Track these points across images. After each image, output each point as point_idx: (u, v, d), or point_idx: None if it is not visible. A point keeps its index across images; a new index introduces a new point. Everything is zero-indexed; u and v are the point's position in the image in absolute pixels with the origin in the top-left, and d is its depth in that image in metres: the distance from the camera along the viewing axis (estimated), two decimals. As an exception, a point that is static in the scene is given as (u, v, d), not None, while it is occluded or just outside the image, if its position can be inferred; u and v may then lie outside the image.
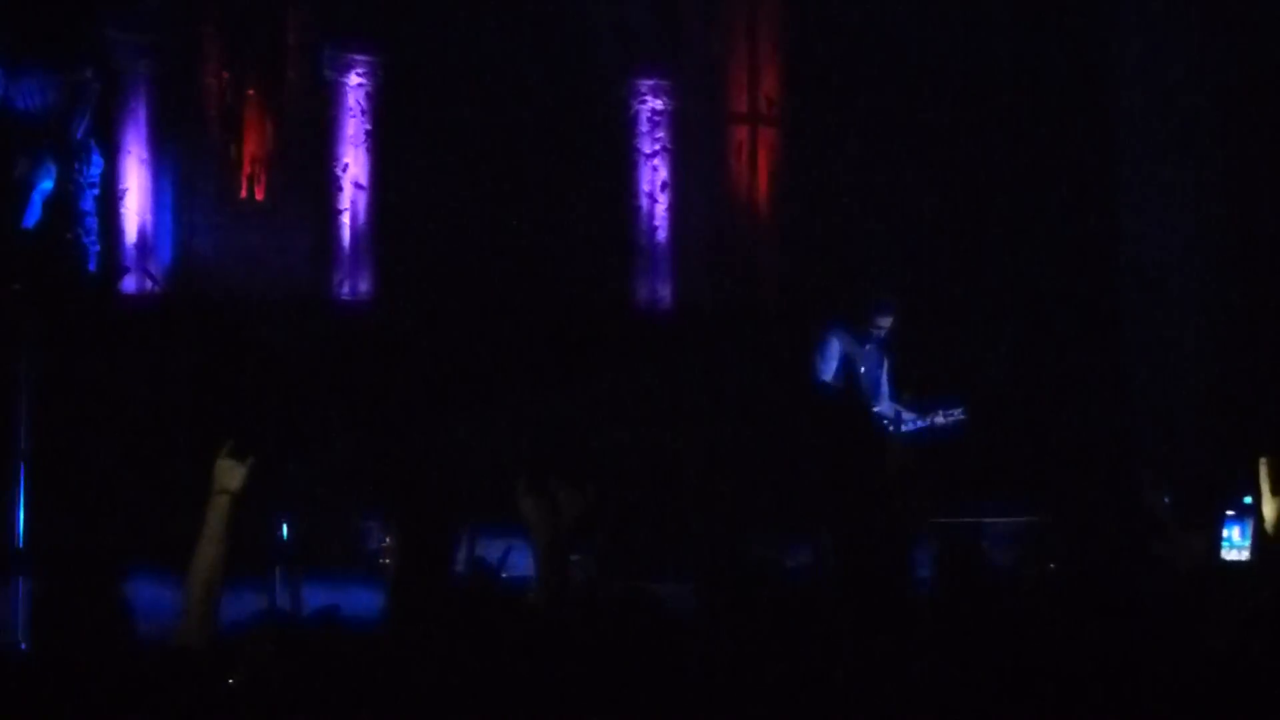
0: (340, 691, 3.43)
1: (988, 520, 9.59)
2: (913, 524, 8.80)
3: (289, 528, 9.17)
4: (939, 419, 9.05)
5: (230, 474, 4.14)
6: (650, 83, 13.48)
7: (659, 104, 13.50)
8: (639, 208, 13.44)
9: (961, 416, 9.13)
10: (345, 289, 12.59)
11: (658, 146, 13.50)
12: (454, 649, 3.38)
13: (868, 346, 9.20)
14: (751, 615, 4.06)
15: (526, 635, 3.51)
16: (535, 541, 4.70)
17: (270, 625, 3.88)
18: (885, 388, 9.31)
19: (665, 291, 13.43)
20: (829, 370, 9.12)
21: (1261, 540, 4.43)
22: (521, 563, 8.66)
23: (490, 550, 6.09)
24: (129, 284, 12.07)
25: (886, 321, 9.26)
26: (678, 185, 13.49)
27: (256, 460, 4.15)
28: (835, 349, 9.16)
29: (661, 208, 13.45)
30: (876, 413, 9.12)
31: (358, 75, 12.69)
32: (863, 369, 9.17)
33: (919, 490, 9.15)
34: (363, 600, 8.12)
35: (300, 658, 3.62)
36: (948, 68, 13.21)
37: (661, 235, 13.44)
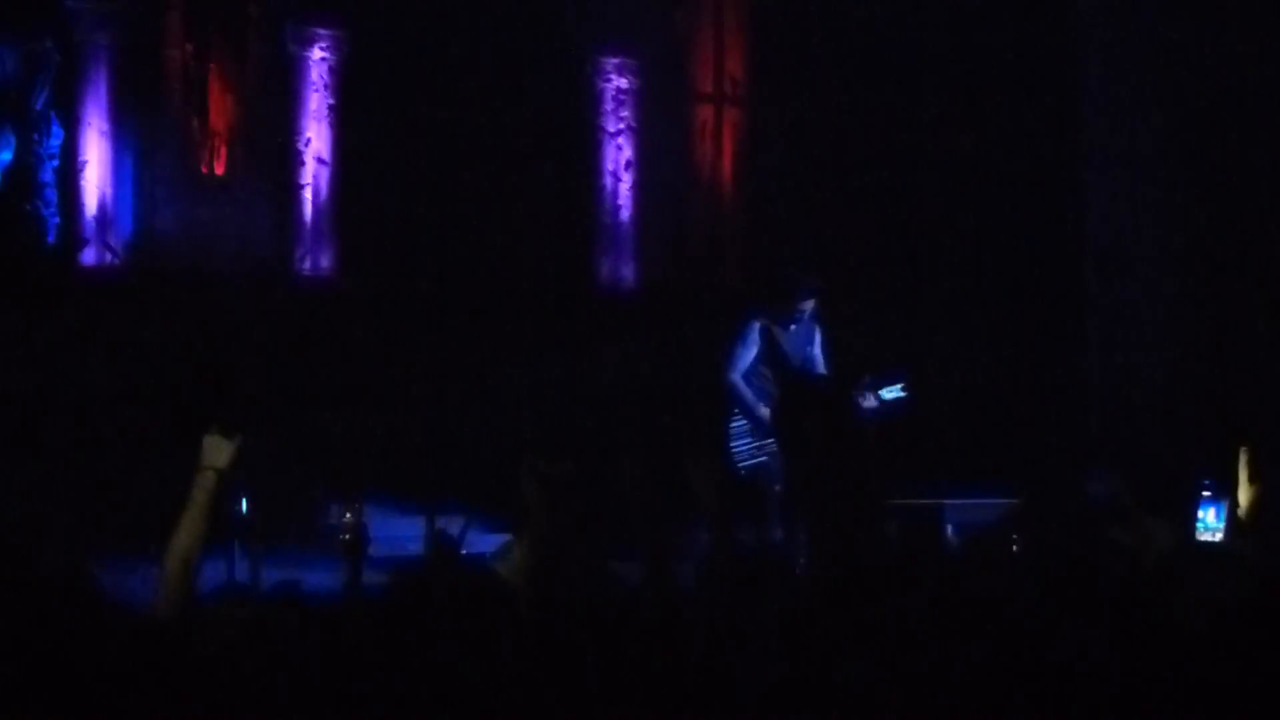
0: (303, 665, 3.42)
1: (949, 502, 9.58)
2: (878, 504, 8.76)
3: (248, 502, 9.13)
4: (871, 401, 8.83)
5: (219, 451, 4.16)
6: (615, 61, 13.45)
7: (624, 82, 13.47)
8: (603, 186, 13.42)
9: (903, 394, 8.91)
10: (306, 264, 12.54)
11: (622, 125, 13.48)
12: (418, 623, 3.37)
13: (792, 329, 8.97)
14: (725, 598, 4.05)
15: (500, 614, 3.50)
16: (533, 522, 4.68)
17: (236, 598, 3.87)
18: (817, 365, 9.08)
19: (628, 271, 13.42)
20: (748, 357, 8.89)
21: (1236, 525, 4.49)
22: (478, 541, 8.64)
23: (449, 527, 6.08)
24: (88, 256, 11.99)
25: (809, 304, 8.98)
26: (642, 164, 13.47)
27: (245, 439, 4.18)
28: (755, 335, 8.92)
29: (625, 187, 13.44)
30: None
31: (321, 49, 12.62)
32: (788, 350, 8.95)
33: (880, 470, 9.10)
34: (321, 576, 8.10)
35: (262, 632, 3.61)
36: (912, 48, 13.21)
37: (625, 214, 13.43)
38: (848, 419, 8.48)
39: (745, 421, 8.74)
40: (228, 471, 4.16)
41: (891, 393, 8.77)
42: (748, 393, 8.72)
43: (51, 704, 3.22)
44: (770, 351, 8.80)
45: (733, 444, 8.73)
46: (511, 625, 3.58)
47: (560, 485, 4.74)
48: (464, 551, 5.30)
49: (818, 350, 9.02)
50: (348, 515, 6.33)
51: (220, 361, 11.03)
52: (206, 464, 4.14)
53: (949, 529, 8.88)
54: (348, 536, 6.30)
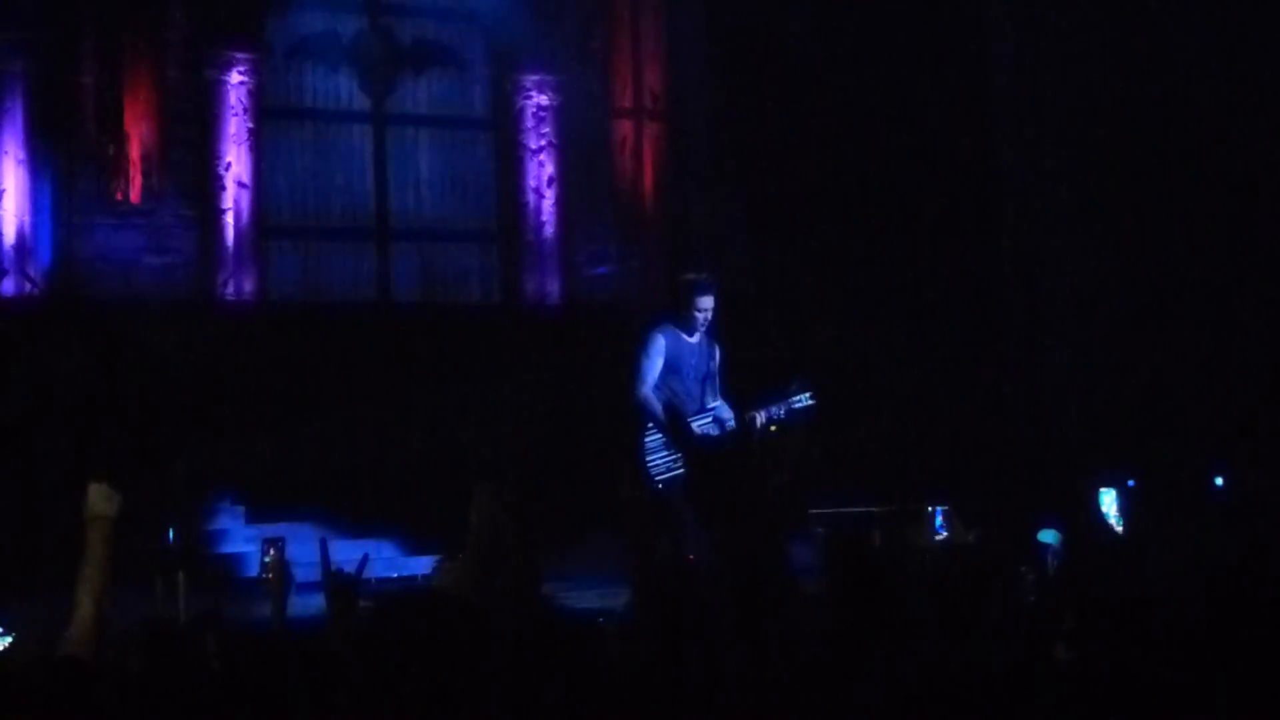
0: (217, 692, 3.41)
1: (875, 509, 9.60)
2: (790, 515, 8.75)
3: (175, 533, 9.06)
4: (761, 418, 8.75)
5: (107, 500, 4.20)
6: (535, 78, 13.46)
7: (544, 99, 13.48)
8: (526, 203, 13.41)
9: (811, 402, 8.83)
10: (229, 289, 12.45)
11: (544, 142, 13.48)
12: (330, 650, 3.37)
13: (695, 337, 8.85)
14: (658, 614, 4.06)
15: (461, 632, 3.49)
16: (479, 540, 4.67)
17: (141, 632, 3.88)
18: (717, 381, 8.96)
19: (554, 287, 13.40)
20: (654, 370, 8.75)
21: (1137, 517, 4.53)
22: (381, 567, 8.56)
23: (343, 558, 5.95)
24: (8, 287, 11.87)
25: (708, 302, 8.81)
26: (564, 180, 13.47)
27: (131, 486, 4.22)
28: (660, 346, 8.78)
29: (549, 203, 13.43)
30: (713, 409, 8.80)
31: (239, 73, 12.56)
32: (692, 363, 8.83)
33: (795, 480, 9.09)
34: (245, 605, 8.05)
35: (176, 661, 3.60)
36: (829, 57, 13.28)
37: (549, 230, 13.42)
38: (751, 459, 8.47)
39: (659, 435, 8.66)
40: (117, 517, 4.22)
41: (800, 402, 8.76)
42: (658, 407, 8.62)
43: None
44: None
45: (648, 458, 8.62)
46: (472, 644, 3.58)
47: (512, 506, 4.75)
48: (364, 577, 5.23)
49: (716, 367, 8.92)
50: (270, 552, 6.23)
51: (119, 388, 10.91)
52: (99, 513, 4.19)
53: (875, 535, 8.92)
54: (270, 575, 6.21)
